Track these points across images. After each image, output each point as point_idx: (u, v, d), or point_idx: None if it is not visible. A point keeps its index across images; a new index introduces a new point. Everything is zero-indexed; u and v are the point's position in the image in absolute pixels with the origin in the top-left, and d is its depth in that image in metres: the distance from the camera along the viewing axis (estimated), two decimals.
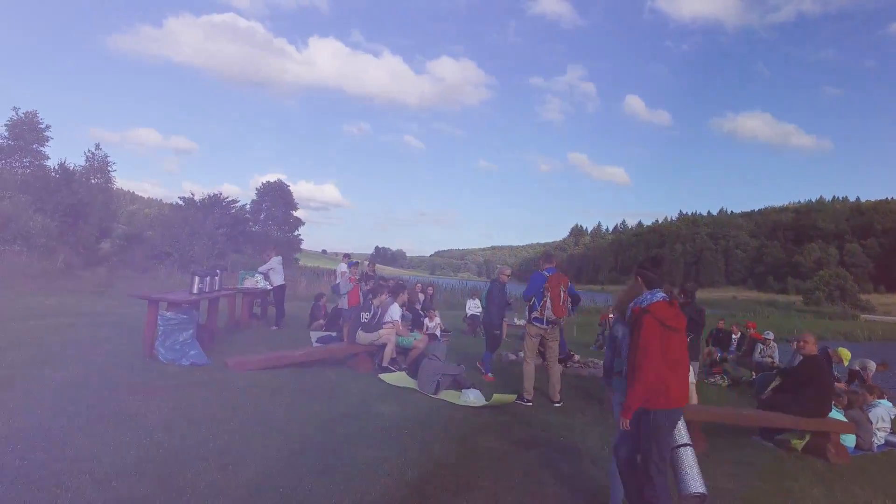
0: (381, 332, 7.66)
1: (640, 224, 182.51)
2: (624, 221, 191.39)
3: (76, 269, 22.14)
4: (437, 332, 12.15)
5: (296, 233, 54.32)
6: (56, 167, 26.96)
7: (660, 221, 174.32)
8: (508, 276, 8.70)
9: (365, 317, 7.76)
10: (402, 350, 8.01)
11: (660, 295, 3.34)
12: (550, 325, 6.76)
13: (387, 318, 8.02)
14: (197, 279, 7.72)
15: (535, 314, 6.77)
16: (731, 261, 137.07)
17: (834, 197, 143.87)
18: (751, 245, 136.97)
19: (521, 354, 9.81)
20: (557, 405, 6.77)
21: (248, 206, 46.00)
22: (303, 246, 56.13)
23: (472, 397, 6.49)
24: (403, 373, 7.47)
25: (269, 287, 10.89)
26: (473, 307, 13.98)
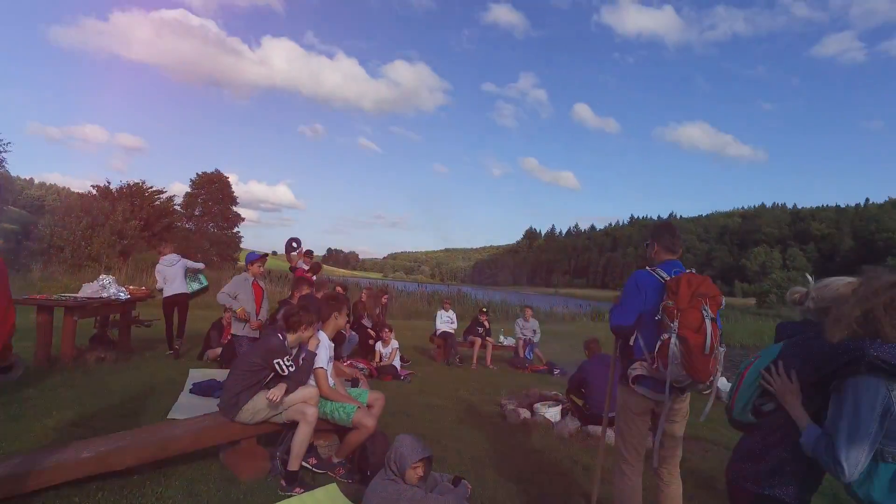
0: (288, 398, 3.67)
1: (592, 227, 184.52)
2: (577, 224, 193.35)
3: None
4: (397, 363, 8.29)
5: (235, 230, 48.83)
6: None
7: (612, 225, 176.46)
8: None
9: (284, 363, 3.71)
10: (337, 428, 4.09)
11: None
12: (676, 394, 2.89)
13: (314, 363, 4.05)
14: None
15: (637, 368, 2.92)
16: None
17: (774, 203, 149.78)
18: (700, 249, 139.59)
19: (541, 412, 5.95)
20: None
21: (174, 198, 40.50)
22: (251, 246, 50.97)
23: None
24: (333, 487, 3.53)
25: (122, 298, 6.70)
26: (446, 321, 10.15)
